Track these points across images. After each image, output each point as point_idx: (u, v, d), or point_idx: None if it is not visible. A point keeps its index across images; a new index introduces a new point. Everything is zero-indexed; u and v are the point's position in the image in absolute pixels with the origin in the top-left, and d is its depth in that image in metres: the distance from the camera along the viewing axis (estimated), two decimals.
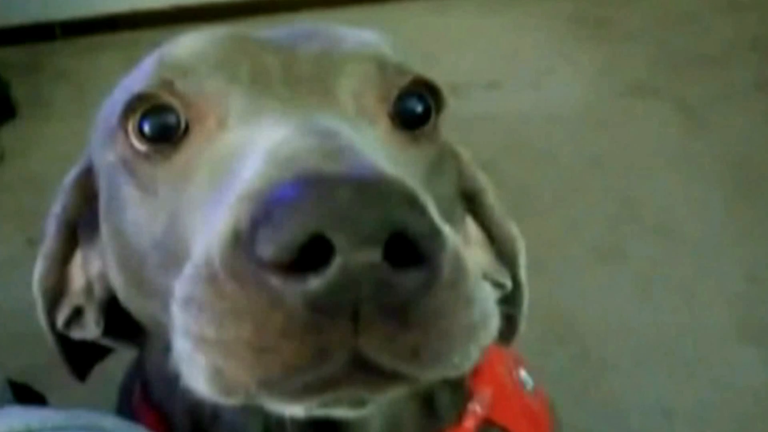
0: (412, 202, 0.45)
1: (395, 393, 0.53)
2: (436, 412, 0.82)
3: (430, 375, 0.49)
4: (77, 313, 0.79)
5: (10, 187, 2.75)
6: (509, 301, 0.82)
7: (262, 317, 0.44)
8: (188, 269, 0.50)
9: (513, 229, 0.82)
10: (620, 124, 2.88)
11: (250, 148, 0.55)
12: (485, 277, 0.81)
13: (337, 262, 0.42)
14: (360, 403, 0.53)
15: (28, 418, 0.63)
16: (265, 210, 0.45)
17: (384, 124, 0.66)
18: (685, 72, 3.14)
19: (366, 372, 0.47)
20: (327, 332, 0.44)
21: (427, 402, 0.81)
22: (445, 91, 0.69)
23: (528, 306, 0.84)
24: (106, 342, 0.82)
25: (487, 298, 0.51)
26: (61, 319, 0.79)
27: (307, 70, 0.64)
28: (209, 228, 0.51)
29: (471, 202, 0.81)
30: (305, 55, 0.66)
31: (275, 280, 0.43)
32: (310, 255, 0.42)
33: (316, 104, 0.61)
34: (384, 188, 0.45)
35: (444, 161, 0.71)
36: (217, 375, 0.47)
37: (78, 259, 0.79)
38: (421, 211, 0.45)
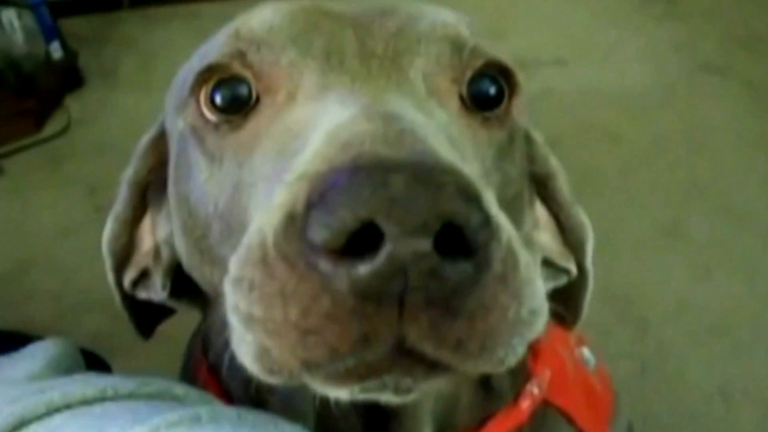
0: (467, 192, 0.44)
1: (438, 383, 0.53)
2: (493, 393, 0.82)
3: (473, 367, 0.49)
4: (144, 275, 0.81)
5: (76, 154, 2.79)
6: (573, 287, 0.82)
7: (309, 300, 0.45)
8: (241, 248, 0.50)
9: (582, 216, 0.81)
10: (687, 102, 2.84)
11: (314, 126, 0.55)
12: (550, 262, 0.81)
13: (385, 250, 0.42)
14: (405, 390, 0.53)
15: (101, 385, 0.64)
16: (320, 193, 0.45)
17: (454, 105, 0.65)
18: (756, 52, 3.09)
19: (409, 360, 0.47)
20: (372, 319, 0.44)
21: (485, 383, 0.81)
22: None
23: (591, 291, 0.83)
24: (171, 303, 0.84)
25: (537, 293, 0.50)
26: (128, 280, 0.81)
27: (381, 47, 0.64)
28: (266, 205, 0.51)
29: (541, 186, 0.81)
30: (381, 32, 0.65)
31: (325, 265, 0.44)
32: (361, 240, 0.42)
33: (386, 83, 0.61)
34: (439, 178, 0.44)
35: (514, 144, 0.70)
36: (263, 353, 0.48)
37: (147, 222, 0.81)
38: (476, 202, 0.45)
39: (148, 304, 0.84)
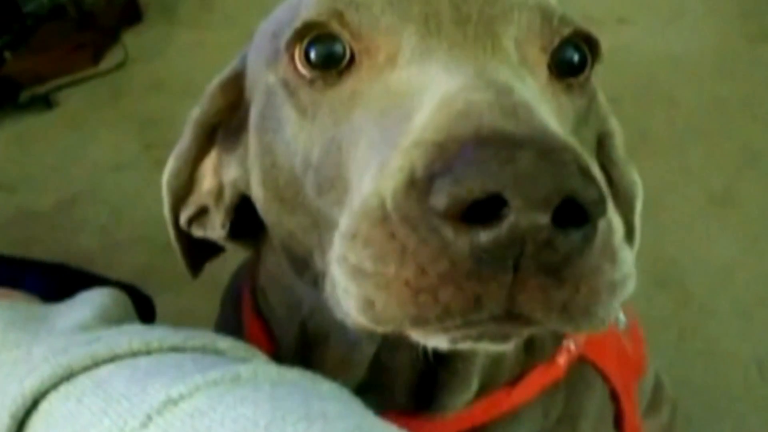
0: (585, 170, 0.47)
1: (533, 331, 0.56)
2: (535, 350, 0.85)
3: (576, 328, 0.52)
4: (200, 213, 0.83)
5: (131, 91, 2.81)
6: None
7: (427, 261, 0.48)
8: (357, 206, 0.53)
9: (634, 174, 0.83)
10: (747, 70, 2.80)
11: (423, 92, 0.57)
12: None
13: (508, 221, 0.45)
14: (505, 338, 0.56)
15: (147, 337, 0.66)
16: (446, 163, 0.47)
17: (543, 74, 0.67)
18: None
19: (513, 321, 0.51)
20: (486, 282, 0.48)
21: (529, 341, 0.84)
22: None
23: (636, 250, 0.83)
24: (227, 243, 0.86)
25: (628, 258, 0.53)
26: (184, 217, 0.83)
27: (475, 13, 0.64)
28: (380, 168, 0.53)
29: (598, 144, 0.82)
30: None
31: (446, 229, 0.47)
32: (482, 208, 0.45)
33: (483, 51, 0.62)
34: (562, 155, 0.47)
35: (591, 110, 0.73)
36: (368, 305, 0.51)
37: (210, 162, 0.82)
38: (593, 179, 0.47)
39: (198, 243, 0.86)
